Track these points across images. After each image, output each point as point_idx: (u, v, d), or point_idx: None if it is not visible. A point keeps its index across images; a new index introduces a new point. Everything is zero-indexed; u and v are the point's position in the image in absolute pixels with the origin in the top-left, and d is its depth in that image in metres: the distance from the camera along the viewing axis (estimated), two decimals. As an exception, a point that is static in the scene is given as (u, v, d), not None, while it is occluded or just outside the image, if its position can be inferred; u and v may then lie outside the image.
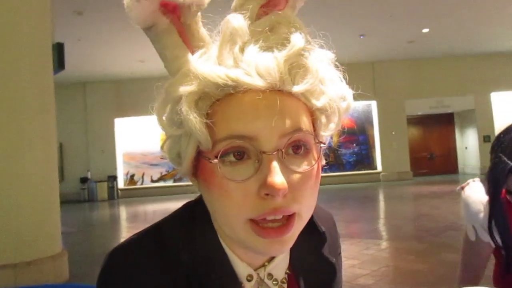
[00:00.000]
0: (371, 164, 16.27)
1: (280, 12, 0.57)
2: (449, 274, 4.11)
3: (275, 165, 0.50)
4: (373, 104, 16.07)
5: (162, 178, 16.15)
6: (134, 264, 0.58)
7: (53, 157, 4.46)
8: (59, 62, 6.28)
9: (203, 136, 0.51)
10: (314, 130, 0.57)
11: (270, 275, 0.63)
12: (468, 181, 1.42)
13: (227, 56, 0.53)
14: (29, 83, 4.11)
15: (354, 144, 16.19)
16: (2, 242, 3.84)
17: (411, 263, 4.81)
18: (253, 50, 0.53)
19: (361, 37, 12.60)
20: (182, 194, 14.13)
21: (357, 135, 16.10)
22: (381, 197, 12.14)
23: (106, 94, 15.91)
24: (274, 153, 0.51)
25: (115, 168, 15.89)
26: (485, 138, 15.31)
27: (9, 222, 3.90)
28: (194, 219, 0.63)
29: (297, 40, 0.53)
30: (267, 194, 0.50)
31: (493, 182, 1.23)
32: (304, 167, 0.53)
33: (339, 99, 0.58)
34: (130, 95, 15.28)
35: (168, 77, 0.58)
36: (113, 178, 15.60)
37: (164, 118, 0.56)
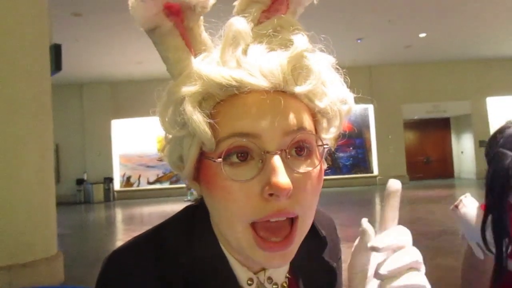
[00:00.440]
0: (367, 168, 16.30)
1: (281, 16, 0.58)
2: (445, 278, 4.11)
3: (279, 164, 0.50)
4: (370, 108, 16.11)
5: (158, 180, 16.11)
6: (133, 268, 0.58)
7: (49, 158, 4.45)
8: (56, 64, 6.26)
9: (207, 136, 0.51)
10: (316, 133, 0.57)
11: (270, 279, 0.63)
12: (460, 198, 1.37)
13: (229, 58, 0.53)
14: (26, 84, 4.09)
15: (351, 148, 16.22)
16: (-3, 243, 3.81)
17: (407, 267, 4.81)
18: (256, 51, 0.53)
19: (358, 41, 12.65)
20: (178, 196, 14.11)
21: (353, 139, 16.13)
22: (377, 201, 12.15)
23: (103, 95, 15.88)
24: (278, 152, 0.51)
25: (111, 170, 15.84)
26: (481, 143, 15.37)
27: (4, 223, 3.88)
28: (194, 223, 0.63)
29: (300, 41, 0.54)
30: (270, 195, 0.50)
31: (499, 176, 1.18)
32: (307, 168, 0.54)
33: (340, 102, 0.59)
34: (127, 97, 15.27)
35: (168, 79, 0.58)
36: (109, 180, 15.55)
37: (166, 119, 0.56)
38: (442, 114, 16.59)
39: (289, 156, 0.52)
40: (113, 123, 16.06)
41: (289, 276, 0.66)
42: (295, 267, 0.66)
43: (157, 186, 16.07)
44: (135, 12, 0.52)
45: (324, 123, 0.58)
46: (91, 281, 0.58)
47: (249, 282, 0.61)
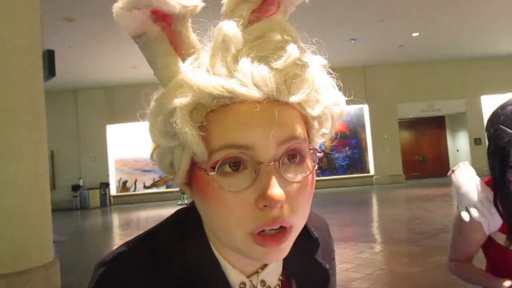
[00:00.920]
0: (363, 168, 16.35)
1: (272, 18, 0.56)
2: (442, 276, 4.12)
3: (273, 176, 0.50)
4: (365, 108, 16.17)
5: (155, 184, 16.08)
6: (125, 273, 0.57)
7: (44, 165, 4.42)
8: (50, 69, 6.24)
9: (199, 148, 0.51)
10: (308, 137, 0.57)
11: (263, 282, 0.62)
12: (459, 164, 1.42)
13: (219, 64, 0.52)
14: (19, 90, 4.07)
15: (347, 148, 16.27)
16: (-8, 251, 3.78)
17: (404, 266, 4.82)
18: (248, 59, 0.52)
19: (352, 41, 12.69)
20: (175, 200, 14.07)
21: (349, 139, 16.18)
22: (374, 201, 12.18)
23: (97, 100, 15.84)
24: (271, 163, 0.50)
25: (107, 175, 15.80)
26: (476, 141, 15.47)
27: None
28: (186, 226, 0.62)
29: (293, 50, 0.52)
30: (265, 206, 0.50)
31: (498, 152, 1.20)
32: (299, 175, 0.53)
33: (333, 105, 0.58)
34: (122, 102, 15.23)
35: (159, 84, 0.57)
36: (106, 185, 15.51)
37: (156, 130, 0.54)
38: (437, 113, 16.68)
39: (282, 165, 0.51)
40: (108, 128, 16.02)
41: (282, 279, 0.65)
42: (288, 269, 0.66)
43: (154, 190, 16.04)
44: (121, 20, 0.51)
45: (316, 125, 0.58)
46: (87, 288, 0.58)
47: (241, 285, 0.61)
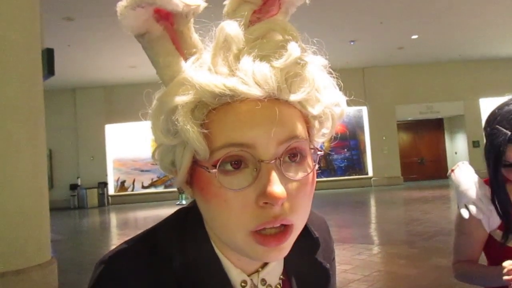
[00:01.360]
0: (362, 169, 16.36)
1: (273, 18, 0.57)
2: (440, 278, 4.13)
3: (273, 174, 0.50)
4: (364, 110, 16.19)
5: (153, 184, 16.07)
6: (125, 272, 0.57)
7: (42, 164, 4.41)
8: (49, 68, 6.22)
9: (200, 146, 0.51)
10: (309, 137, 0.57)
11: (263, 281, 0.63)
12: (458, 163, 1.45)
13: (221, 64, 0.53)
14: (18, 89, 4.06)
15: (345, 149, 16.29)
16: (-10, 250, 3.78)
17: (402, 268, 4.83)
18: (249, 58, 0.52)
19: (351, 43, 12.71)
20: (173, 200, 14.06)
21: (348, 140, 16.19)
22: (372, 202, 12.19)
23: (96, 100, 15.83)
24: (272, 161, 0.50)
25: (105, 175, 15.78)
26: (474, 143, 15.49)
27: (-3, 230, 3.84)
28: (187, 225, 0.62)
29: (294, 49, 0.53)
30: (265, 203, 0.50)
31: (493, 152, 1.24)
32: (300, 174, 0.54)
33: (333, 105, 0.59)
34: (121, 101, 15.22)
35: (160, 83, 0.57)
36: (104, 184, 15.48)
37: (158, 128, 0.55)
38: (435, 115, 16.71)
39: (283, 164, 0.52)
40: (106, 127, 16.00)
41: (283, 278, 0.66)
42: (288, 269, 0.66)
43: (152, 190, 16.02)
44: (124, 19, 0.51)
45: (317, 125, 0.58)
46: (85, 287, 0.58)
47: (242, 284, 0.61)
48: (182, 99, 0.52)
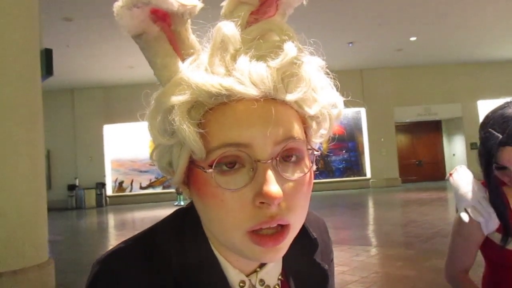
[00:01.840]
0: (360, 171, 16.37)
1: (270, 19, 0.57)
2: (438, 280, 4.13)
3: (270, 173, 0.50)
4: (362, 111, 16.21)
5: (151, 185, 16.05)
6: (123, 273, 0.57)
7: (40, 164, 4.40)
8: (47, 68, 6.22)
9: (197, 146, 0.51)
10: (306, 137, 0.57)
11: (262, 281, 0.63)
12: (456, 167, 1.46)
13: (218, 64, 0.53)
14: (16, 89, 4.06)
15: (344, 151, 16.30)
16: (-13, 251, 3.77)
17: (400, 270, 4.83)
18: (245, 58, 0.52)
19: (350, 45, 12.73)
20: (171, 200, 14.05)
21: (346, 142, 16.20)
22: (370, 204, 12.20)
23: (94, 100, 15.81)
24: (269, 161, 0.51)
25: (103, 175, 15.75)
26: (472, 145, 15.51)
27: (-5, 230, 3.83)
28: (185, 226, 0.62)
29: (290, 48, 0.53)
30: (262, 203, 0.50)
31: (485, 155, 1.27)
32: (297, 174, 0.54)
33: (330, 106, 0.59)
34: (119, 102, 15.20)
35: (158, 84, 0.57)
36: (102, 185, 15.46)
37: (155, 128, 0.55)
38: (433, 117, 16.74)
39: (279, 164, 0.52)
40: (105, 127, 15.98)
41: (282, 278, 0.66)
42: (287, 269, 0.66)
43: (150, 191, 16.00)
44: (121, 19, 0.51)
45: (314, 126, 0.58)
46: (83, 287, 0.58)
47: (241, 284, 0.61)
48: (179, 99, 0.52)
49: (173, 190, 14.35)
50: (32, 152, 4.19)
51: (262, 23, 0.56)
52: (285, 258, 0.64)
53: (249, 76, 0.51)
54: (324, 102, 0.57)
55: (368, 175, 16.23)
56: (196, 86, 0.51)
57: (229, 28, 0.53)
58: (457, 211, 1.38)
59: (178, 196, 13.29)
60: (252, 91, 0.51)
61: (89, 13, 8.74)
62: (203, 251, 0.60)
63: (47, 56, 6.26)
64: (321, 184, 15.07)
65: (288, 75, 0.53)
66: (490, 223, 1.30)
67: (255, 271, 0.63)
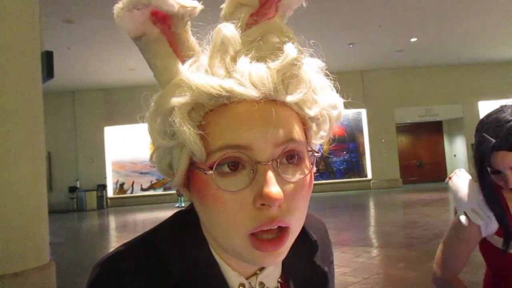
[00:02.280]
0: (361, 172, 16.36)
1: (270, 20, 0.57)
2: (439, 281, 4.12)
3: (270, 175, 0.50)
4: (363, 112, 16.21)
5: (152, 187, 16.05)
6: (123, 275, 0.57)
7: (41, 166, 4.41)
8: (48, 71, 6.23)
9: (197, 147, 0.51)
10: (306, 139, 0.57)
11: (262, 284, 0.62)
12: (455, 171, 1.47)
13: (218, 66, 0.53)
14: (17, 91, 4.06)
15: (344, 152, 16.29)
16: (-12, 253, 3.77)
17: (401, 271, 4.83)
18: (245, 59, 0.52)
19: (350, 46, 12.73)
20: (172, 202, 14.05)
21: (347, 143, 16.20)
22: (371, 205, 12.19)
23: (95, 102, 15.83)
24: (269, 163, 0.50)
25: (104, 177, 15.77)
26: (473, 146, 15.48)
27: (-4, 232, 3.83)
28: (185, 228, 0.62)
29: (290, 50, 0.53)
30: (262, 204, 0.50)
31: (479, 159, 1.29)
32: (297, 176, 0.53)
33: (330, 107, 0.59)
34: (120, 104, 15.22)
35: (159, 86, 0.57)
36: (103, 187, 15.47)
37: (155, 130, 0.55)
38: (434, 118, 16.73)
39: (280, 165, 0.52)
40: (106, 129, 15.99)
41: (281, 281, 0.65)
42: (287, 272, 0.66)
43: (151, 192, 16.01)
44: (121, 21, 0.51)
45: (314, 127, 0.58)
46: (83, 290, 0.58)
47: (240, 287, 0.61)
48: (179, 100, 0.52)
49: (174, 191, 14.34)
50: (33, 154, 4.19)
51: (262, 24, 0.56)
52: (285, 261, 0.64)
53: (249, 77, 0.51)
54: (324, 104, 0.57)
55: (369, 176, 16.22)
56: (196, 87, 0.51)
57: (229, 30, 0.53)
58: (455, 214, 1.38)
59: (179, 197, 13.29)
60: (252, 93, 0.51)
61: (90, 15, 8.76)
62: (202, 254, 0.60)
63: (48, 58, 6.27)
64: (322, 185, 15.07)
65: (288, 77, 0.53)
66: (490, 226, 1.30)
67: (255, 274, 0.62)
